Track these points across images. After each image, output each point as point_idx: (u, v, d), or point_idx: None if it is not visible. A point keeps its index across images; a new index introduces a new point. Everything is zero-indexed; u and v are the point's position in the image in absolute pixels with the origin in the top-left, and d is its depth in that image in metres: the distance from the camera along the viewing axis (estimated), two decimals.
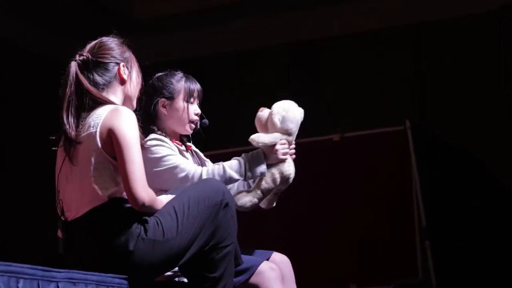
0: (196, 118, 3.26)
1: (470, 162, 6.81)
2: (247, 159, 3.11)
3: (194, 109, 3.25)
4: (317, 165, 5.98)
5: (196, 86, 3.27)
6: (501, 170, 7.04)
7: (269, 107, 3.23)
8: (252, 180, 3.23)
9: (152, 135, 3.16)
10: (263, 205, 3.19)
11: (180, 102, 3.22)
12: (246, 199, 3.11)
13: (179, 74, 3.27)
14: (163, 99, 3.22)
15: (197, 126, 3.28)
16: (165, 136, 3.19)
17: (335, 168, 5.94)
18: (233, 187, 3.28)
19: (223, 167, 3.09)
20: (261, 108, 3.22)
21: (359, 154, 6.14)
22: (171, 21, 8.14)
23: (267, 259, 3.14)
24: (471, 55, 7.70)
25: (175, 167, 3.07)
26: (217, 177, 3.05)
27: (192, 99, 3.24)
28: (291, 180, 3.18)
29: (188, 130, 3.26)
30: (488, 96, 7.59)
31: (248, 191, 3.14)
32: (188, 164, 3.11)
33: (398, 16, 7.89)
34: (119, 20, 7.77)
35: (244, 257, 3.03)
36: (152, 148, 3.09)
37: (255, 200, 3.12)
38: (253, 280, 3.04)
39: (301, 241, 5.93)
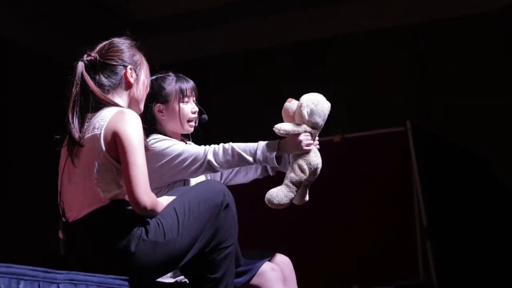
0: (194, 116, 3.25)
1: (471, 162, 6.81)
2: (260, 143, 3.08)
3: (191, 108, 3.24)
4: None
5: (188, 85, 3.25)
6: (503, 170, 7.04)
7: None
8: (264, 166, 3.19)
9: (154, 135, 3.17)
10: (295, 201, 3.12)
11: (175, 104, 3.21)
12: (282, 196, 3.04)
13: (170, 77, 3.25)
14: (158, 104, 3.21)
15: (196, 123, 3.28)
16: None
17: (335, 169, 5.93)
18: (239, 173, 3.28)
19: (230, 144, 3.07)
20: (289, 99, 3.17)
21: (360, 155, 6.14)
22: (173, 22, 8.14)
23: (269, 260, 3.14)
24: (472, 55, 7.70)
25: (180, 154, 3.07)
26: (220, 154, 3.04)
27: (186, 99, 3.23)
28: (318, 170, 3.15)
29: (188, 129, 3.26)
30: (490, 96, 7.59)
31: (277, 188, 3.06)
32: (191, 147, 3.11)
33: (400, 16, 7.89)
34: (121, 20, 7.78)
35: (246, 258, 3.03)
36: (155, 145, 3.09)
37: (291, 194, 3.05)
38: (254, 281, 3.04)
39: (303, 242, 5.93)
